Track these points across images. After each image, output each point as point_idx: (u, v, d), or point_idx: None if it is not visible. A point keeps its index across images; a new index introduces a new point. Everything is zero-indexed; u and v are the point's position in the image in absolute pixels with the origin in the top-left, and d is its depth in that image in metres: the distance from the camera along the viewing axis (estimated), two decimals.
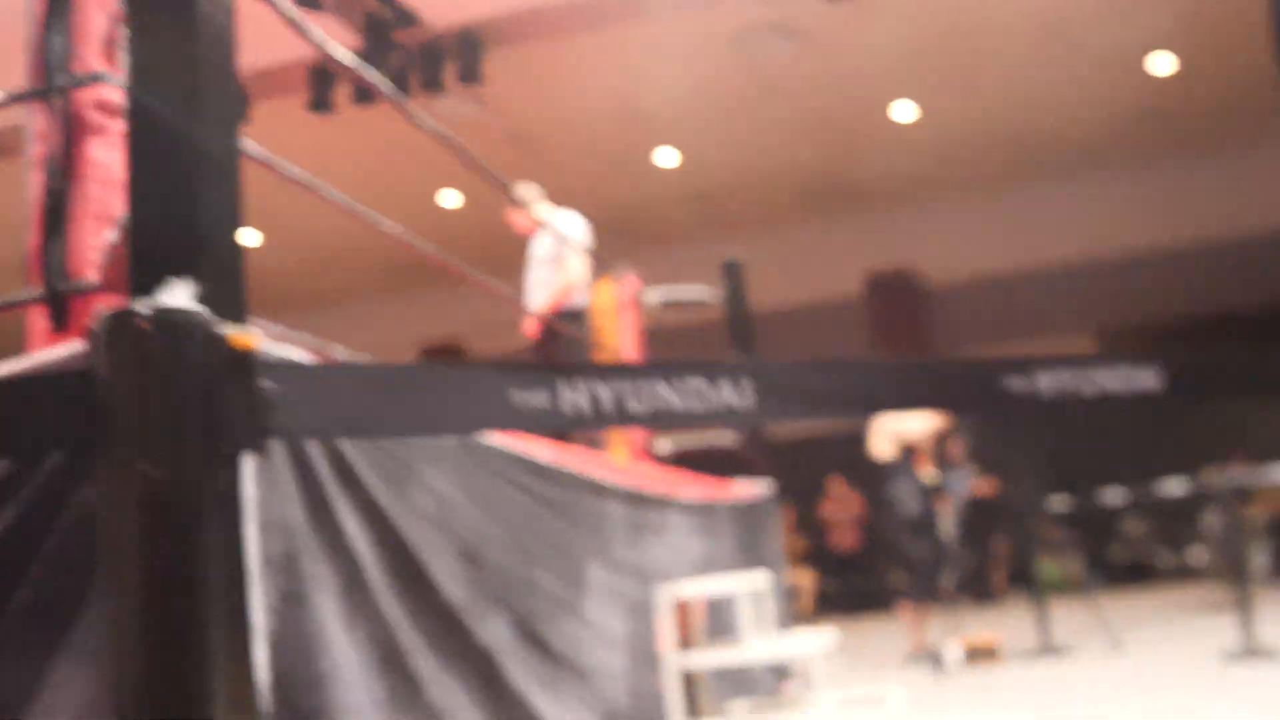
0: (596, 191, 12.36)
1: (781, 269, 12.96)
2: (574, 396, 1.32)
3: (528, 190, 6.22)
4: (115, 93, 2.67)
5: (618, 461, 6.27)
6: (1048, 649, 7.12)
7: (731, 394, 1.38)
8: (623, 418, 1.35)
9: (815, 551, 12.70)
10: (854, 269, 13.94)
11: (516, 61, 9.91)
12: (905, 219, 13.76)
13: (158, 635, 1.38)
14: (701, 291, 6.99)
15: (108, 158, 2.66)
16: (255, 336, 1.34)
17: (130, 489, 1.35)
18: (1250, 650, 6.05)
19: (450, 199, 12.63)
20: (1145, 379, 1.58)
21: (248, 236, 13.06)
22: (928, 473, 7.31)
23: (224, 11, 2.12)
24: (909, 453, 7.15)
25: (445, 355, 14.89)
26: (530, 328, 5.94)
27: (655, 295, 6.68)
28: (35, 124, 2.74)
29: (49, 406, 1.35)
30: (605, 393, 1.33)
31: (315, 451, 2.18)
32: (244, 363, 1.36)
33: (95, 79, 2.63)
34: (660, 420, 1.38)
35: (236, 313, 2.09)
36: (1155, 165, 12.98)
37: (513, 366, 1.34)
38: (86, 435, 1.35)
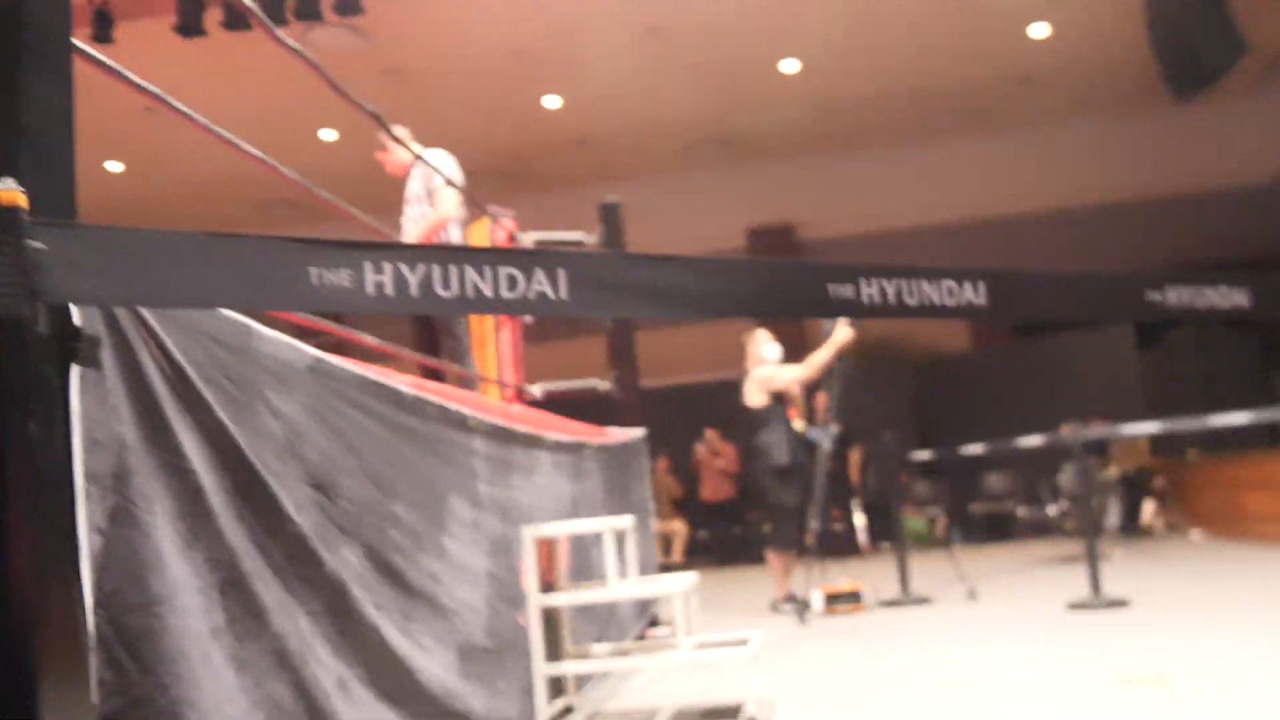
0: (478, 133, 12.16)
1: (664, 219, 12.96)
2: (379, 278, 1.26)
3: (397, 130, 6.07)
4: None
5: (488, 400, 6.21)
6: (908, 598, 7.31)
7: (545, 285, 1.34)
8: (429, 302, 1.31)
9: (688, 501, 12.82)
10: (735, 222, 14.02)
11: None
12: (788, 174, 13.87)
13: None
14: (578, 234, 6.93)
15: None
16: (22, 193, 1.25)
17: None
18: (1095, 600, 6.30)
19: (329, 134, 12.29)
20: (969, 294, 1.60)
21: (109, 165, 12.47)
22: (797, 423, 7.40)
23: None
24: (780, 401, 7.23)
25: None
26: None
27: (531, 237, 6.60)
28: None
29: None
30: (412, 276, 1.28)
31: (150, 369, 2.07)
32: (10, 219, 1.26)
33: None
34: (467, 306, 1.33)
35: (65, 217, 1.98)
36: (1034, 128, 13.31)
37: (317, 242, 1.27)
38: None
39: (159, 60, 9.60)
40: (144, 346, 2.06)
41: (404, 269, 1.28)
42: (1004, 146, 13.46)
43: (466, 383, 5.88)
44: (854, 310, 1.50)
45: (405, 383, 3.34)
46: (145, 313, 2.06)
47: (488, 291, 1.32)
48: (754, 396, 7.21)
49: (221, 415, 2.26)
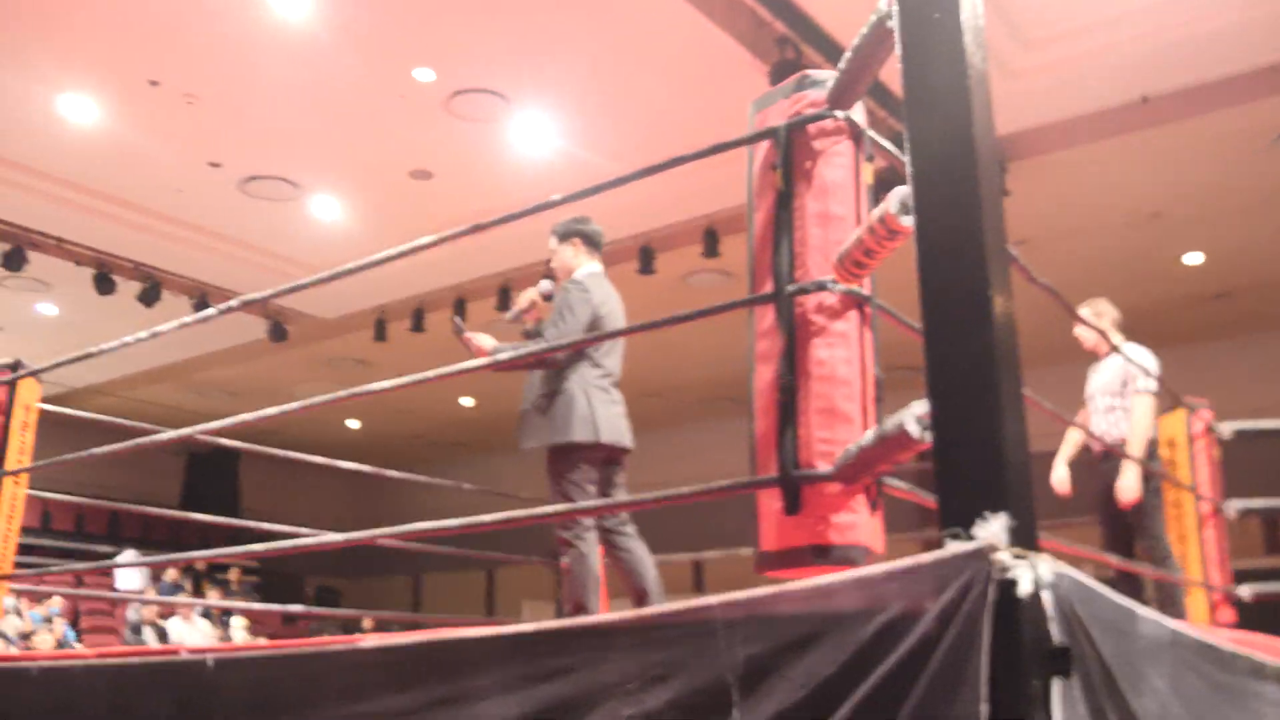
0: (1111, 293, 11.84)
1: None
2: None
3: (1100, 305, 6.12)
4: (833, 297, 2.92)
5: (1197, 611, 5.91)
6: None
7: None
8: None
9: None
10: None
11: (1033, 171, 9.80)
12: None
13: None
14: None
15: (828, 356, 2.91)
16: None
17: None
18: None
19: None
20: None
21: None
22: None
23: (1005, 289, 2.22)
24: None
25: None
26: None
27: (1229, 427, 6.27)
28: (760, 323, 3.06)
29: None
30: None
31: (1093, 670, 2.23)
32: None
33: (819, 286, 2.90)
34: None
35: (1031, 538, 2.19)
36: None
37: None
38: None
39: None
40: (1087, 650, 2.22)
41: None
42: None
43: (1173, 603, 5.66)
44: None
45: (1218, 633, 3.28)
46: (1081, 613, 2.22)
47: None
48: None
49: (1134, 705, 2.37)
